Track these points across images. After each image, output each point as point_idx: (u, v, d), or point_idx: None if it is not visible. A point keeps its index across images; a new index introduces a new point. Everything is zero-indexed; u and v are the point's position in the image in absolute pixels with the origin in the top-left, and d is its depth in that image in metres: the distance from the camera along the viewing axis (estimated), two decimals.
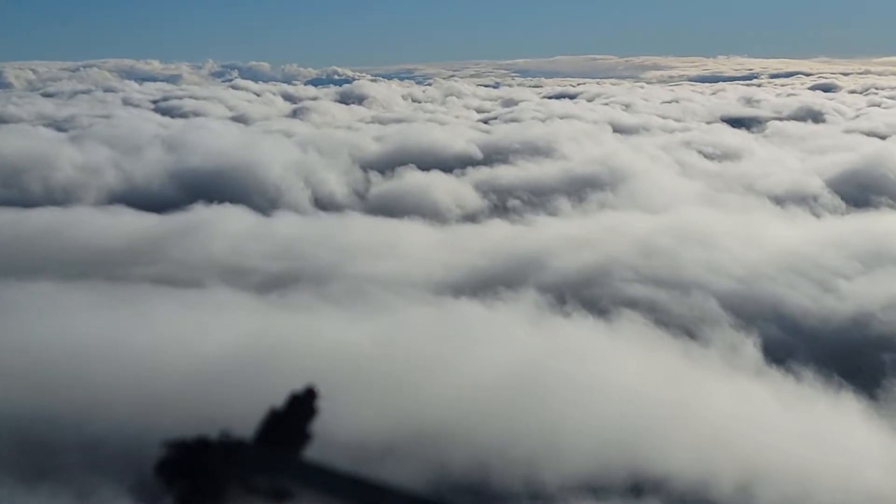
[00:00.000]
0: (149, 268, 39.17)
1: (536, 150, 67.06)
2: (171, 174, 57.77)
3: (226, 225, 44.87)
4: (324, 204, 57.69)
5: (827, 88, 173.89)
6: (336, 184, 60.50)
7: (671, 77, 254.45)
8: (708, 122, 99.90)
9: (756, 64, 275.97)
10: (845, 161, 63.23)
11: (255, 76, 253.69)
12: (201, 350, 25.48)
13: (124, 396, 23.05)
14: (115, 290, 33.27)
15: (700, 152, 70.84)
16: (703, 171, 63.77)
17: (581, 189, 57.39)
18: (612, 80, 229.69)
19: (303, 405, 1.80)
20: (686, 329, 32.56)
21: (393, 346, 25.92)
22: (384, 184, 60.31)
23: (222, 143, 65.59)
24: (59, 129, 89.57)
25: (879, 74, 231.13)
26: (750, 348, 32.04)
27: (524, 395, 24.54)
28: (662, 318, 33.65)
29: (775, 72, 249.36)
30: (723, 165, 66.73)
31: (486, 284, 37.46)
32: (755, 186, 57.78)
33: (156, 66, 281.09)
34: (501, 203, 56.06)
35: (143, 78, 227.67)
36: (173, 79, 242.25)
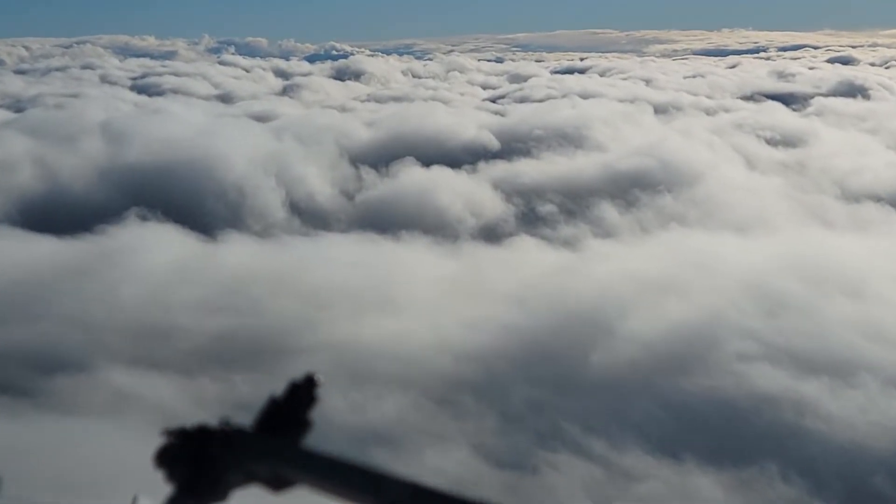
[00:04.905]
0: (9, 337, 24.54)
1: (565, 138, 52.02)
2: (104, 174, 42.95)
3: (149, 257, 30.18)
4: (300, 209, 42.98)
5: (845, 61, 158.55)
6: (318, 183, 45.67)
7: (675, 51, 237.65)
8: (744, 99, 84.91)
9: (761, 37, 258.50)
10: None
11: (252, 52, 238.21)
12: None
13: None
14: None
15: (759, 137, 55.96)
16: (774, 164, 48.95)
17: (628, 190, 42.64)
18: (616, 55, 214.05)
19: (303, 393, 1.70)
20: None
21: None
22: (377, 183, 45.47)
23: (179, 131, 50.69)
24: (19, 109, 75.27)
25: (888, 47, 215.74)
26: None
27: None
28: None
29: (782, 45, 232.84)
30: (793, 154, 51.86)
31: (539, 373, 22.96)
32: (851, 186, 43.00)
33: (151, 42, 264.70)
34: (529, 210, 41.25)
35: (138, 54, 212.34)
36: (169, 55, 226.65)
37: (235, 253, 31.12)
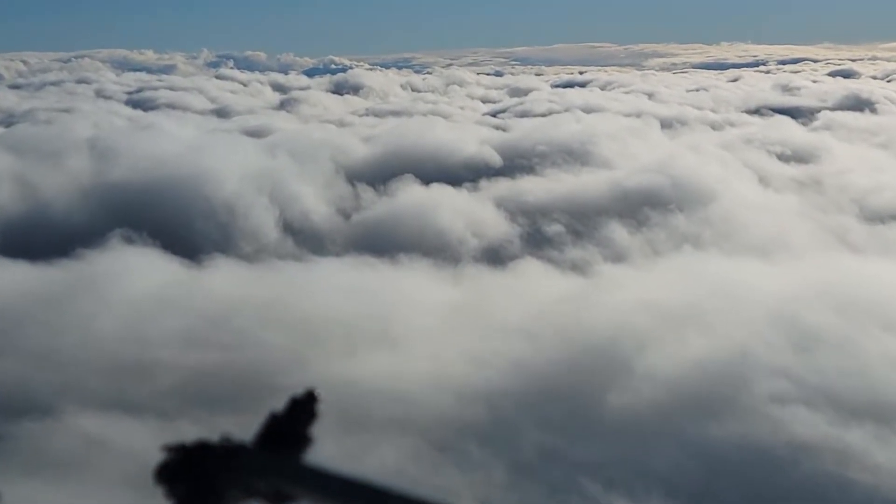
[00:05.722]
0: None
1: (570, 154, 49.81)
2: (88, 193, 40.75)
3: (129, 284, 27.94)
4: (294, 230, 40.81)
5: (847, 74, 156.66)
6: (312, 202, 43.49)
7: (674, 64, 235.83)
8: (749, 113, 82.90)
9: (760, 50, 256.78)
10: None
11: (251, 66, 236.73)
12: None
13: None
14: None
15: (769, 152, 53.82)
16: (787, 180, 46.78)
17: (638, 209, 40.44)
18: (615, 68, 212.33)
19: (303, 408, 1.72)
20: None
21: None
22: (375, 202, 43.28)
23: (169, 147, 48.53)
24: (11, 124, 73.47)
25: (888, 60, 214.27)
26: None
27: None
28: None
29: (782, 58, 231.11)
30: (806, 170, 49.71)
31: (551, 416, 20.80)
32: (871, 205, 40.83)
33: (150, 56, 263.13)
34: (534, 230, 39.03)
35: (136, 68, 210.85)
36: (167, 69, 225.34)
37: (222, 279, 28.89)
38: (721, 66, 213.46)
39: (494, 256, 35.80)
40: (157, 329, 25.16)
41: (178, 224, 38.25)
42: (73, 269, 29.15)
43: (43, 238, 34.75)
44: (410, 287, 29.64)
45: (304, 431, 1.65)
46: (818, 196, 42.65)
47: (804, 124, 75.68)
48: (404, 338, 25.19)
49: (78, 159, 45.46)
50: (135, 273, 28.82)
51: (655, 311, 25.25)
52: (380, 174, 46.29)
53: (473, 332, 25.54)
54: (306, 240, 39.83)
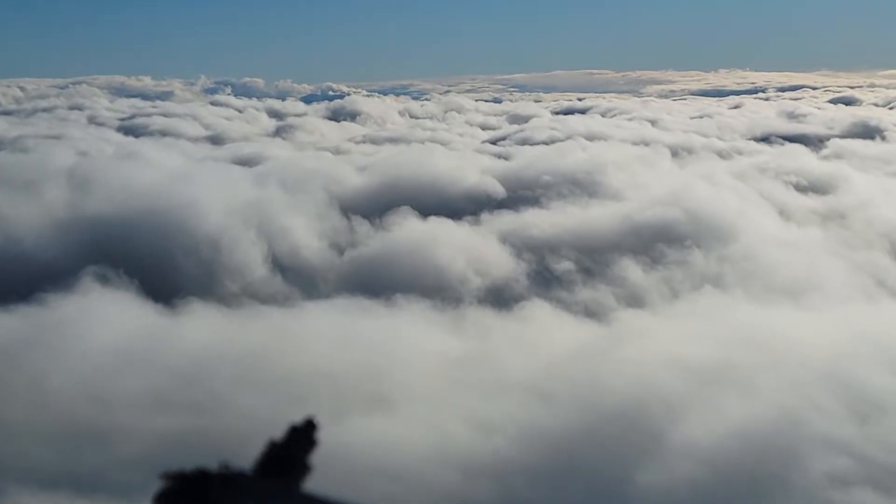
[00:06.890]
0: None
1: (576, 185, 46.73)
2: (61, 227, 37.62)
3: (94, 334, 24.74)
4: (283, 267, 37.68)
5: (848, 101, 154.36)
6: (304, 236, 40.36)
7: (672, 91, 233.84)
8: (756, 140, 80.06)
9: (758, 77, 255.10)
10: None
11: (249, 92, 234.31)
12: None
13: None
14: None
15: (785, 182, 50.84)
16: (808, 213, 43.73)
17: (651, 245, 37.34)
18: (614, 95, 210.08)
19: (302, 436, 1.70)
20: None
21: None
22: (370, 236, 40.17)
23: (154, 177, 45.43)
24: None
25: (888, 87, 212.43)
26: None
27: None
28: None
29: (780, 85, 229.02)
30: (826, 202, 46.70)
31: (572, 497, 17.62)
32: None
33: (147, 82, 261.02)
34: (542, 268, 35.88)
35: (133, 94, 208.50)
36: (164, 95, 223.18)
37: (199, 328, 25.70)
38: (720, 94, 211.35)
39: (499, 297, 32.71)
40: (121, 388, 22.00)
41: (158, 261, 35.18)
42: (32, 315, 26.00)
43: (9, 278, 31.63)
44: (408, 335, 26.50)
45: (303, 459, 1.64)
46: (843, 230, 39.65)
47: (814, 152, 72.90)
48: (401, 397, 22.04)
49: (55, 190, 42.38)
50: (102, 321, 25.64)
51: (685, 367, 22.12)
52: (376, 206, 43.22)
53: (479, 391, 22.40)
54: (296, 278, 36.76)
